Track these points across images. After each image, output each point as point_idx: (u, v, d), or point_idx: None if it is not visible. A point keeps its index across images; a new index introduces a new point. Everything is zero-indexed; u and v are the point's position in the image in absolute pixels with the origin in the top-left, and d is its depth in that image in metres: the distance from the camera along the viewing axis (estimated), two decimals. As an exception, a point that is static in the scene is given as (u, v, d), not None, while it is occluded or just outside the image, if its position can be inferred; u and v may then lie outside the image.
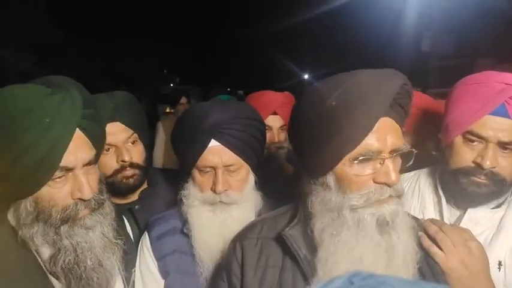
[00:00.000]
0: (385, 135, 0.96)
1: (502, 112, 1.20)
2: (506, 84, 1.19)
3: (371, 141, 0.95)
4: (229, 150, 1.31)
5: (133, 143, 1.59)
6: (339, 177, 1.00)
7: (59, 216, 1.03)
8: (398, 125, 1.00)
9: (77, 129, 1.04)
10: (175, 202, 1.42)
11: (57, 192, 1.03)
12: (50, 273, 1.06)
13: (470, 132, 1.24)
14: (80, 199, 1.05)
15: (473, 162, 1.24)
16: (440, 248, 1.06)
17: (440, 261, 1.05)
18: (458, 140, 1.28)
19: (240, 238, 1.20)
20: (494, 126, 1.20)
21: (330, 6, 9.57)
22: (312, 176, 1.06)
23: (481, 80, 1.27)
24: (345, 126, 0.94)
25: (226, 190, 1.31)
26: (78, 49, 11.88)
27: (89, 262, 1.05)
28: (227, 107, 1.34)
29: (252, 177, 1.40)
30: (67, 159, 1.01)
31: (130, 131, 1.56)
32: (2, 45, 9.97)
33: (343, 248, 0.98)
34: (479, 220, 1.29)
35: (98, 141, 1.13)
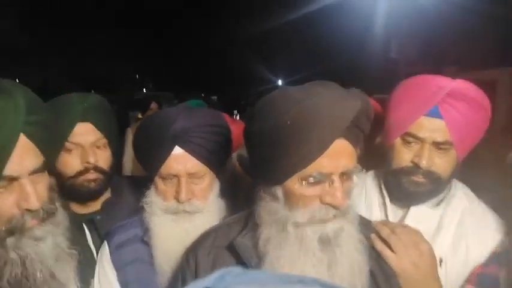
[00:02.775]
0: (337, 157, 0.96)
1: (436, 113, 1.26)
2: (439, 87, 1.25)
3: (322, 163, 0.95)
4: (193, 158, 1.28)
5: (100, 147, 1.53)
6: (287, 192, 1.00)
7: (4, 227, 0.98)
8: (352, 146, 1.01)
9: (22, 136, 0.99)
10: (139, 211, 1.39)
11: (1, 202, 0.98)
12: None
13: (408, 134, 1.30)
14: (27, 209, 1.00)
15: (412, 162, 1.31)
16: (392, 250, 1.09)
17: (393, 263, 1.08)
18: (398, 141, 1.34)
19: (194, 248, 1.18)
20: (429, 127, 1.27)
21: (302, 12, 9.71)
22: (262, 184, 1.06)
23: (417, 82, 1.33)
24: (297, 146, 0.94)
25: (190, 199, 1.29)
26: (47, 52, 11.58)
27: (38, 274, 1.01)
28: (192, 113, 1.32)
29: (216, 185, 1.38)
30: (10, 168, 0.96)
31: (100, 135, 1.51)
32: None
33: (285, 263, 0.98)
34: (421, 218, 1.34)
35: (47, 147, 1.08)
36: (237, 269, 0.37)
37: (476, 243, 1.28)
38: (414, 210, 1.36)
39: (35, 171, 1.02)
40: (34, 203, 0.99)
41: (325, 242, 0.98)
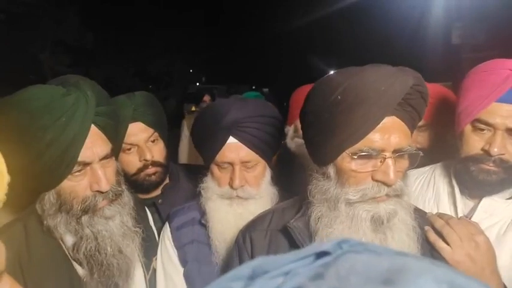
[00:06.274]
0: (389, 134, 0.96)
1: (509, 99, 1.19)
2: None
3: (373, 138, 0.96)
4: (246, 147, 1.34)
5: (154, 141, 1.65)
6: (339, 169, 1.01)
7: (79, 207, 1.10)
8: (406, 126, 1.00)
9: (92, 125, 1.10)
10: (196, 195, 1.47)
11: (77, 185, 1.10)
12: (73, 260, 1.14)
13: (479, 120, 1.24)
14: (98, 191, 1.11)
15: (482, 149, 1.24)
16: (446, 243, 1.05)
17: (446, 256, 1.04)
18: (468, 128, 1.28)
19: (249, 229, 1.22)
20: (501, 113, 1.20)
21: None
22: (316, 164, 1.08)
23: (488, 68, 1.26)
24: (348, 121, 0.95)
25: (243, 186, 1.35)
26: (109, 51, 12.26)
27: (109, 249, 1.12)
28: (246, 104, 1.38)
29: (268, 173, 1.43)
30: (84, 155, 1.08)
31: (151, 130, 1.63)
32: (39, 49, 10.44)
33: None
34: (494, 211, 1.28)
35: (114, 135, 1.19)
36: (354, 240, 0.39)
37: None
38: (486, 201, 1.29)
39: (104, 157, 1.14)
40: (104, 186, 1.11)
41: (378, 223, 0.97)
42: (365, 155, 0.96)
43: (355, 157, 0.97)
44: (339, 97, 0.96)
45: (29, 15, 9.40)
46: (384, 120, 0.96)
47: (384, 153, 0.96)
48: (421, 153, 1.01)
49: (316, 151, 1.08)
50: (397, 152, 0.97)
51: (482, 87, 1.24)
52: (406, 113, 0.99)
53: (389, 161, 0.96)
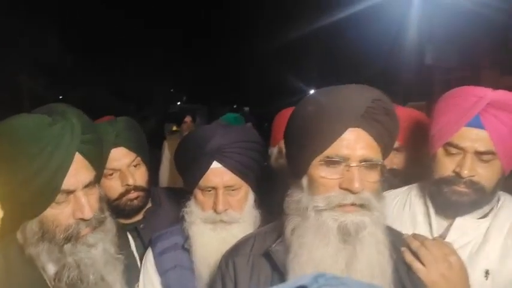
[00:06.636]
0: (354, 144, 1.04)
1: (477, 124, 1.27)
2: (479, 97, 1.27)
3: (340, 147, 1.04)
4: (230, 172, 1.37)
5: (136, 166, 1.66)
6: (310, 179, 1.09)
7: (62, 235, 1.09)
8: (372, 139, 1.07)
9: (77, 153, 1.10)
10: (178, 220, 1.48)
11: (60, 213, 1.09)
12: None
13: (450, 144, 1.32)
14: (81, 219, 1.11)
15: (453, 171, 1.31)
16: (422, 263, 1.10)
17: (422, 276, 1.09)
18: (440, 151, 1.36)
19: (232, 254, 1.23)
20: (471, 137, 1.28)
21: (332, 20, 9.69)
22: (294, 178, 1.15)
23: (458, 94, 1.35)
24: (317, 133, 1.05)
25: (226, 210, 1.37)
26: (89, 71, 12.17)
27: (91, 277, 1.11)
28: (229, 130, 1.42)
29: (251, 197, 1.46)
30: (68, 183, 1.08)
31: (134, 155, 1.64)
32: (17, 70, 10.28)
33: (305, 250, 1.04)
34: (466, 230, 1.34)
35: (97, 163, 1.19)
36: (330, 274, 0.42)
37: None
38: (459, 221, 1.35)
39: (88, 185, 1.13)
40: (88, 213, 1.10)
41: (345, 233, 1.02)
42: (332, 160, 1.04)
43: (323, 163, 1.05)
44: (311, 113, 1.07)
45: (8, 35, 9.29)
46: (350, 130, 1.04)
47: (350, 162, 1.03)
48: (387, 165, 1.10)
49: (292, 165, 1.17)
50: (364, 162, 1.04)
51: (453, 112, 1.32)
52: (372, 128, 1.06)
53: (354, 169, 1.03)
